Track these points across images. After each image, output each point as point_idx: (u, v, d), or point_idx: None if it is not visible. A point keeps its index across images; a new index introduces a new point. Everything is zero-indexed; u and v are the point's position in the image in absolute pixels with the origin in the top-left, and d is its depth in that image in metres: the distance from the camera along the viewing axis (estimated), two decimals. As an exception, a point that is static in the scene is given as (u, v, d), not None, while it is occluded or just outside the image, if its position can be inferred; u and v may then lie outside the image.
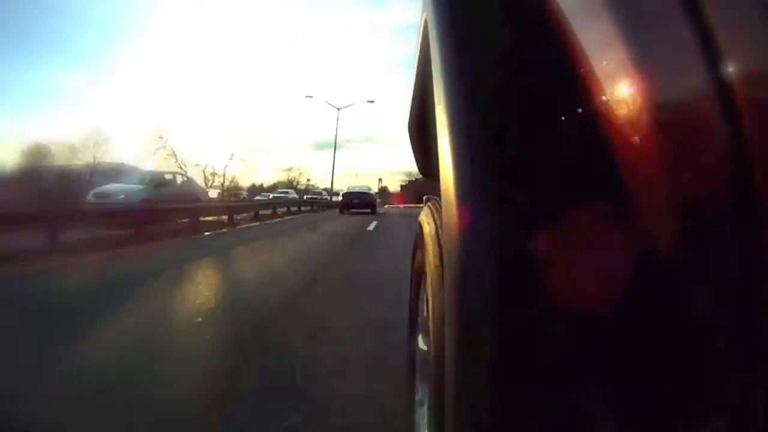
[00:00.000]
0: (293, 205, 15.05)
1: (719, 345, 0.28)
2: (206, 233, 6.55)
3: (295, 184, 31.48)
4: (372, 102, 27.62)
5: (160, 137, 20.52)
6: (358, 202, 14.01)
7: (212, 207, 9.55)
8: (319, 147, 53.69)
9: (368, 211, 13.68)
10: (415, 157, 1.25)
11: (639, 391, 0.32)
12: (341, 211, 13.97)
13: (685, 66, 0.29)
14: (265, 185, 29.95)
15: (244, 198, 19.29)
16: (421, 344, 0.77)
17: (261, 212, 10.57)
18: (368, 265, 4.18)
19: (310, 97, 24.75)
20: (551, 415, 0.34)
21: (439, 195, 0.45)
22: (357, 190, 14.99)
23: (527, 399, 0.34)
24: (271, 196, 18.96)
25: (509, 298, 0.34)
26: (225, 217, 8.26)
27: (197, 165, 22.14)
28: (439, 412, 0.41)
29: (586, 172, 0.37)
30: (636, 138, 0.33)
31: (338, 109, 22.70)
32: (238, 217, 8.86)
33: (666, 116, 0.30)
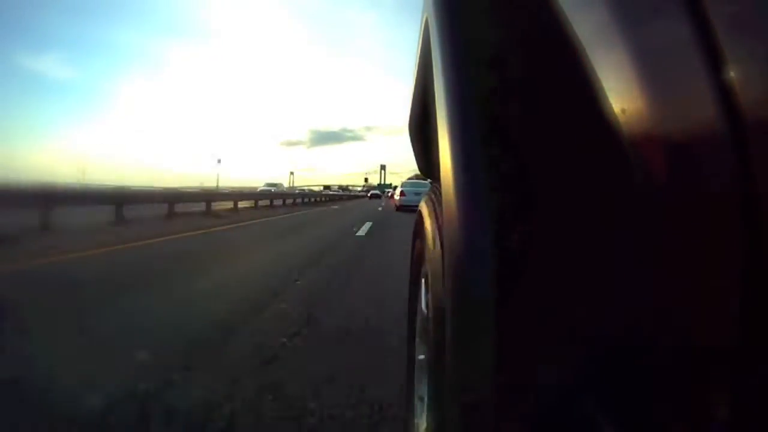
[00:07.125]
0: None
1: (719, 345, 0.28)
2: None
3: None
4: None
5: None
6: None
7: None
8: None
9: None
10: (416, 156, 1.25)
11: (639, 390, 0.32)
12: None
13: (686, 65, 0.29)
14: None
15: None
16: (423, 307, 0.78)
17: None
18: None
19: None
20: (552, 407, 0.34)
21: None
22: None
23: (528, 391, 0.34)
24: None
25: (509, 296, 0.35)
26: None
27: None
28: (439, 396, 0.41)
29: (587, 171, 0.37)
30: (637, 137, 0.33)
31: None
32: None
33: (667, 116, 0.30)
